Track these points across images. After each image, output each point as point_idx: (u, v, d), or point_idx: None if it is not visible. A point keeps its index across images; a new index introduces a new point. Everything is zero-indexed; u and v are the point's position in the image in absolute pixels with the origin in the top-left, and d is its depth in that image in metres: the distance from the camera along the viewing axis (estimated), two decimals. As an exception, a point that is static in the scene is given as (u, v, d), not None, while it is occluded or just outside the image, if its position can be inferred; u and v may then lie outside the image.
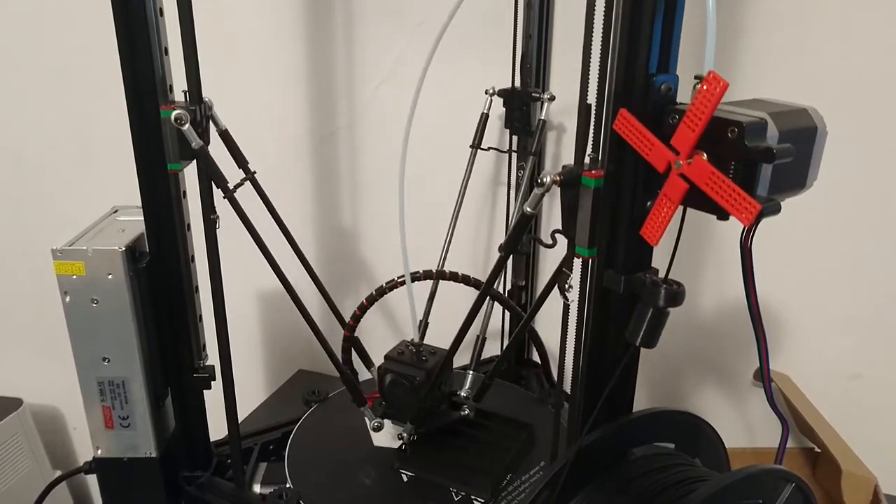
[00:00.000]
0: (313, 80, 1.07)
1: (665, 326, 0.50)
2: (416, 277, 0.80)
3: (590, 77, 0.50)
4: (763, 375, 0.53)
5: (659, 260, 0.53)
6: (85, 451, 1.21)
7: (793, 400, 0.92)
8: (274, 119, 1.10)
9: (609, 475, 0.54)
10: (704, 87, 0.42)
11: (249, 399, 1.10)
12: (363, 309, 0.81)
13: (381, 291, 0.80)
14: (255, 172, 0.76)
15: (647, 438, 0.57)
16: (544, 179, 0.51)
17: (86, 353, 0.70)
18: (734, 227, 0.47)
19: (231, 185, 0.68)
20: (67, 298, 0.68)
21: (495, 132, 0.99)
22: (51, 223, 1.22)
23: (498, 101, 0.93)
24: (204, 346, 0.78)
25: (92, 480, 0.79)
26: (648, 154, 0.46)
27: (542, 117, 0.89)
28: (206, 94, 0.69)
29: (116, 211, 0.77)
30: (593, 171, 0.50)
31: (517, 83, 0.93)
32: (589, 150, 0.51)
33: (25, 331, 1.36)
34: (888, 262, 0.91)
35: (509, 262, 1.01)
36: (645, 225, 0.48)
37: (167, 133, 0.66)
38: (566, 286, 0.54)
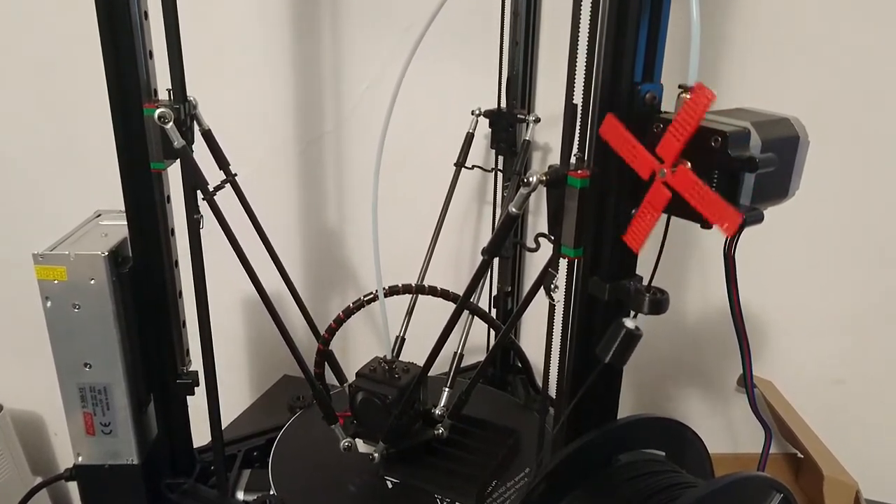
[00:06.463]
0: (300, 84, 1.07)
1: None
2: (393, 291, 0.79)
3: (575, 81, 0.50)
4: (746, 381, 0.53)
5: (643, 267, 0.53)
6: (66, 457, 1.20)
7: (776, 406, 0.93)
8: (261, 122, 1.10)
9: (593, 482, 0.54)
10: (691, 98, 0.42)
11: (234, 405, 1.09)
12: (339, 322, 0.79)
13: (359, 304, 0.79)
14: (235, 175, 0.75)
15: (632, 445, 0.57)
16: (530, 179, 0.51)
17: (67, 359, 0.69)
18: (718, 234, 0.47)
19: (213, 188, 0.67)
20: (49, 303, 0.67)
21: (482, 151, 0.99)
22: (33, 227, 1.21)
23: (484, 122, 0.93)
24: (187, 351, 0.78)
25: (73, 487, 0.78)
26: (633, 161, 0.46)
27: (527, 138, 0.89)
28: (194, 97, 0.69)
29: (100, 215, 0.76)
30: (579, 171, 0.50)
31: (503, 104, 0.94)
32: (575, 150, 0.51)
33: (6, 335, 1.34)
34: (870, 269, 0.92)
35: (495, 268, 1.02)
36: (628, 232, 0.48)
37: (151, 131, 0.65)
38: (552, 286, 0.54)
